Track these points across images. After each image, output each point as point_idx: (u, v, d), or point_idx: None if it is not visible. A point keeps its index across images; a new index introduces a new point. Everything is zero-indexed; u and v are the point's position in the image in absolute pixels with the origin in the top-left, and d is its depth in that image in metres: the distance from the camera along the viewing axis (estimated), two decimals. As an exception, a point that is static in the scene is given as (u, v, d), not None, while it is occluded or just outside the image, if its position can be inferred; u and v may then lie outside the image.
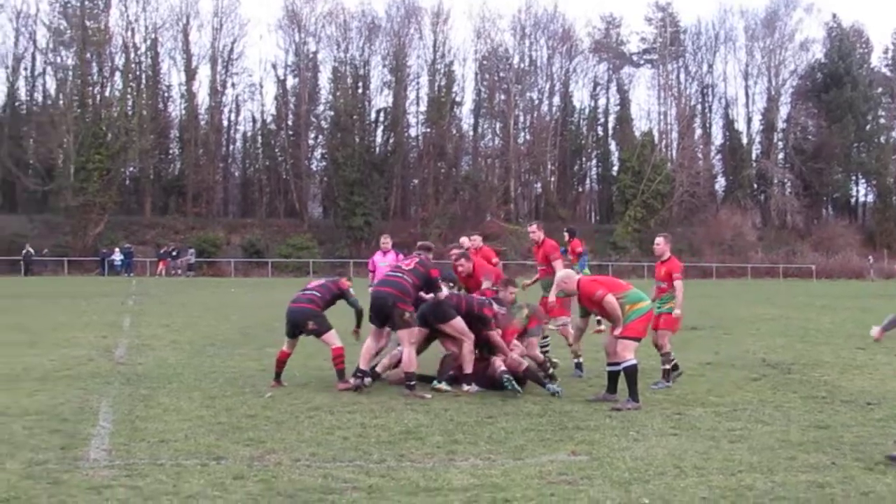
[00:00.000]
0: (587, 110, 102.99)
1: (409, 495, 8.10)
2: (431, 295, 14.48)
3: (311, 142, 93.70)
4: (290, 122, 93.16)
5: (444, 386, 14.16)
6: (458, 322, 14.19)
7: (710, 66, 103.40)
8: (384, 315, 13.92)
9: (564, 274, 14.11)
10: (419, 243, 15.58)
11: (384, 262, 19.93)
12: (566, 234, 22.64)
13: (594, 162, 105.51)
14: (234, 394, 13.48)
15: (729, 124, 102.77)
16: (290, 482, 8.42)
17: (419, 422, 11.50)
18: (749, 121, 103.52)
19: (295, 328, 14.43)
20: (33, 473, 8.62)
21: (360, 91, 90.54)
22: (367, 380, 14.10)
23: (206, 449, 9.74)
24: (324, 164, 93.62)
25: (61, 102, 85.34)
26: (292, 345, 14.63)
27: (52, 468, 8.84)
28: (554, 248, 16.68)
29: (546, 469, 9.10)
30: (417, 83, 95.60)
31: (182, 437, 10.26)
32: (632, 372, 12.78)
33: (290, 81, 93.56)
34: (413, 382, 13.77)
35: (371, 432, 10.80)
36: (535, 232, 16.86)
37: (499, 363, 14.02)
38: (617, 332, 12.68)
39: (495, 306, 14.90)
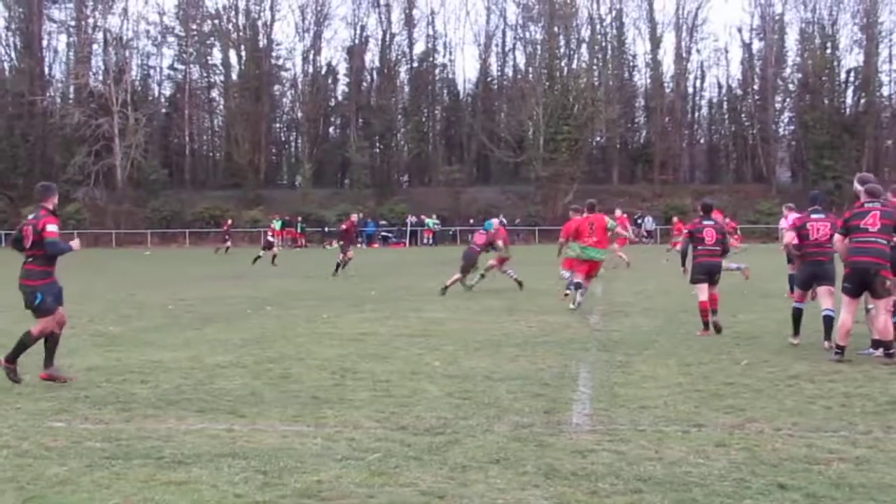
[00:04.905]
0: None
1: (899, 468, 7.75)
2: None
3: (777, 105, 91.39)
4: (756, 87, 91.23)
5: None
6: None
7: None
8: (865, 283, 13.33)
9: None
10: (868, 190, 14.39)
11: None
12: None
13: None
14: (710, 361, 13.43)
15: None
16: (773, 451, 8.27)
17: (906, 392, 10.99)
18: None
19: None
20: (520, 436, 8.94)
21: (828, 51, 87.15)
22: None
23: (685, 416, 9.75)
24: (791, 127, 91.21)
25: (531, 76, 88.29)
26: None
27: (537, 431, 9.15)
28: None
29: None
30: (890, 40, 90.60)
31: (661, 404, 10.33)
32: None
33: (756, 45, 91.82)
34: (893, 350, 13.15)
35: (855, 402, 10.42)
36: None
37: None
38: None
39: None
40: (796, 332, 15.07)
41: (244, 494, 7.15)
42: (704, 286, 16.76)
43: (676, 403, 10.37)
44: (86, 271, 39.08)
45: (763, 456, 8.12)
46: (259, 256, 44.97)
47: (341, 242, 36.76)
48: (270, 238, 47.33)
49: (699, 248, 17.05)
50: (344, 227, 37.65)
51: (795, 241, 15.09)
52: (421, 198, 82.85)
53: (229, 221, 67.99)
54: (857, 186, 14.19)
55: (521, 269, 27.48)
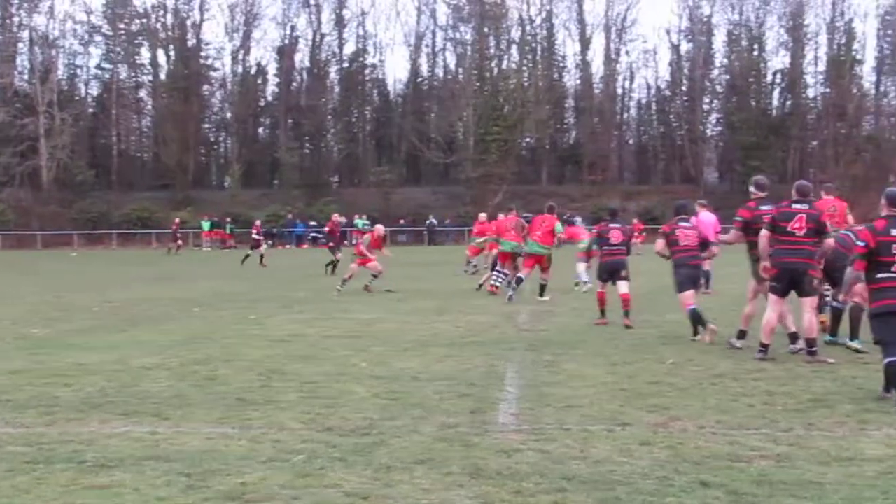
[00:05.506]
0: None
1: (820, 465, 7.84)
2: None
3: (706, 106, 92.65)
4: (684, 88, 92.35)
5: (856, 345, 13.61)
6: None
7: None
8: (794, 282, 13.46)
9: None
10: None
11: None
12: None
13: None
14: (636, 360, 13.52)
15: None
16: (697, 449, 8.33)
17: (827, 389, 11.13)
18: None
19: None
20: (446, 436, 8.93)
21: (755, 53, 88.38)
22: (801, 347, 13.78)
23: (611, 415, 9.80)
24: (719, 128, 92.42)
25: (461, 77, 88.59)
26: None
27: (463, 431, 9.14)
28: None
29: (973, 441, 8.58)
30: (816, 42, 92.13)
31: (587, 403, 10.36)
32: None
33: (685, 46, 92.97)
34: (816, 348, 13.31)
35: (777, 400, 10.54)
36: None
37: None
38: None
39: None
40: (696, 331, 15.67)
41: (167, 498, 7.09)
42: (605, 284, 18.69)
43: (602, 402, 10.42)
44: (10, 273, 38.58)
45: (686, 454, 8.18)
46: (248, 255, 44.71)
47: (330, 245, 36.38)
48: (256, 236, 46.59)
49: (604, 247, 18.70)
50: (328, 228, 37.48)
51: (662, 247, 16.48)
52: (351, 198, 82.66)
53: (177, 220, 67.61)
54: (753, 190, 14.78)
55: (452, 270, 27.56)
